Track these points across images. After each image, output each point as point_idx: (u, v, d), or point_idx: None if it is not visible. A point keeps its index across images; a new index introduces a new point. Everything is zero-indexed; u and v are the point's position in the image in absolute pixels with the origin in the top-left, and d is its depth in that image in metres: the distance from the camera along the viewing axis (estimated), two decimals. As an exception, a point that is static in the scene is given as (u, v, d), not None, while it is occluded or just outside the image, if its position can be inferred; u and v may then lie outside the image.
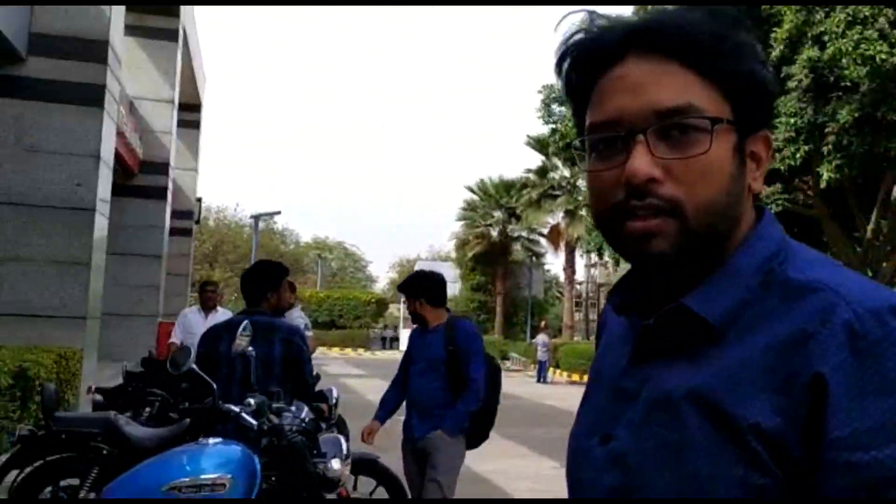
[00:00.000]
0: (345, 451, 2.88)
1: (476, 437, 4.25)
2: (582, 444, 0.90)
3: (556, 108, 19.36)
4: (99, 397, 6.48)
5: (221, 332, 3.63)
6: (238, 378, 3.23)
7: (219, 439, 2.67)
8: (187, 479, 2.42)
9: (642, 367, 0.85)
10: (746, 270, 0.82)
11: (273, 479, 2.69)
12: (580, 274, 45.35)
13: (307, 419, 2.99)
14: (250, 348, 2.94)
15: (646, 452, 0.79)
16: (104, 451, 4.19)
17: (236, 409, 2.85)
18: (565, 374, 25.04)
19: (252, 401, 2.84)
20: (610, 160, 0.82)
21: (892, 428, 0.68)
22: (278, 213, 39.73)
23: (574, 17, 0.87)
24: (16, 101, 8.35)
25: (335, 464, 2.79)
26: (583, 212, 27.82)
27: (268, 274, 3.93)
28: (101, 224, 8.93)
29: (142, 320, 14.77)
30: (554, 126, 19.43)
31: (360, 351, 37.21)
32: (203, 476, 2.44)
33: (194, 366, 2.94)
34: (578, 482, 0.89)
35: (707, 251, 0.82)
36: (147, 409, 6.07)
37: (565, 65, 0.88)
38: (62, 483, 4.27)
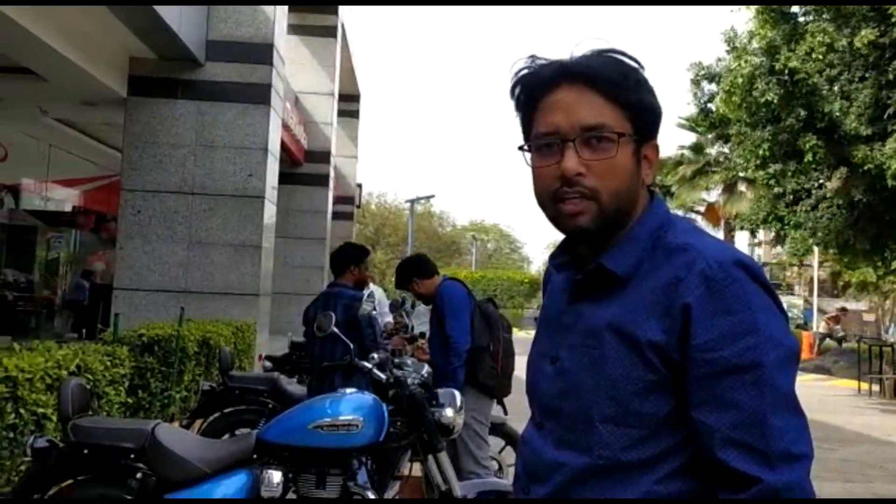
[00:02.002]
0: (458, 403, 3.30)
1: (491, 387, 4.28)
2: (537, 365, 1.28)
3: (705, 85, 18.74)
4: (268, 364, 7.33)
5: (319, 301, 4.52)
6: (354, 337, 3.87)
7: (354, 389, 3.18)
8: (328, 419, 2.94)
9: (576, 308, 1.22)
10: (642, 237, 1.19)
11: (398, 423, 3.16)
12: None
13: (426, 374, 3.47)
14: (374, 312, 3.46)
15: (581, 365, 1.17)
16: (270, 405, 4.89)
17: (369, 364, 3.37)
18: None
19: (376, 356, 3.36)
20: (549, 159, 1.18)
21: (730, 336, 1.06)
22: (432, 196, 40.91)
23: (520, 62, 1.24)
24: (196, 102, 9.39)
25: (449, 412, 3.23)
26: (742, 188, 26.66)
27: (350, 253, 4.68)
28: (270, 210, 9.86)
29: (308, 298, 15.96)
30: (705, 104, 18.83)
31: (515, 330, 37.66)
32: (341, 417, 2.94)
33: (335, 329, 3.49)
34: (534, 391, 1.27)
35: (615, 225, 1.19)
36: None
37: (517, 91, 1.23)
38: (237, 431, 5.02)
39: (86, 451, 2.88)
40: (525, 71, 1.21)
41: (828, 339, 24.49)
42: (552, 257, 1.32)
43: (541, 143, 1.19)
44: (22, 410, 4.05)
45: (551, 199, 1.18)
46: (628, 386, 1.10)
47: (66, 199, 16.94)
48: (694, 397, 1.08)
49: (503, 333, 4.34)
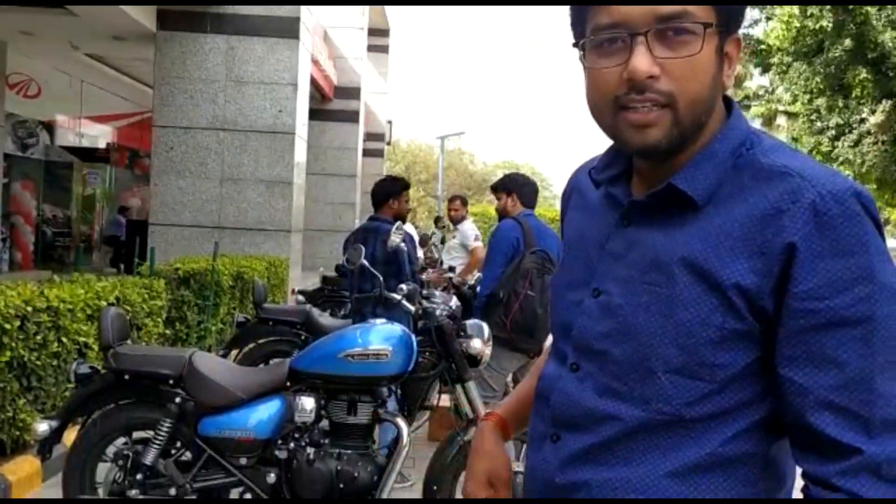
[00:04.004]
0: (486, 334, 3.35)
1: (503, 339, 3.96)
2: (570, 295, 1.08)
3: (749, 10, 18.11)
4: (301, 297, 7.46)
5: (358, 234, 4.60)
6: (393, 271, 3.90)
7: (384, 320, 3.24)
8: (358, 349, 3.00)
9: (628, 233, 1.02)
10: (722, 155, 0.98)
11: (427, 353, 3.23)
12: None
13: (454, 306, 3.53)
14: (402, 244, 3.49)
15: (639, 304, 0.97)
16: (303, 337, 5.00)
17: (398, 296, 3.42)
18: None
19: (405, 287, 3.41)
20: (612, 58, 0.95)
21: (840, 282, 0.88)
22: (462, 133, 40.58)
23: None
24: (225, 36, 9.35)
25: (476, 343, 3.27)
26: (780, 121, 26.01)
27: (389, 186, 4.71)
28: (300, 147, 9.89)
29: (340, 235, 16.14)
30: (746, 31, 18.24)
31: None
32: (370, 347, 3.01)
33: (365, 262, 3.55)
34: (568, 327, 1.06)
35: (690, 138, 0.97)
36: (342, 309, 6.94)
37: None
38: (271, 362, 5.16)
39: (126, 378, 2.96)
40: None
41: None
42: (592, 169, 1.11)
43: (602, 37, 0.96)
44: (64, 339, 4.22)
45: (612, 108, 0.96)
46: (703, 333, 0.92)
47: (99, 135, 17.12)
48: (786, 352, 0.90)
49: (527, 291, 3.96)
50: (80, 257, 15.34)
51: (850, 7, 14.06)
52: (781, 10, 15.87)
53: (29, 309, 3.91)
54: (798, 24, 14.86)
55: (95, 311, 4.48)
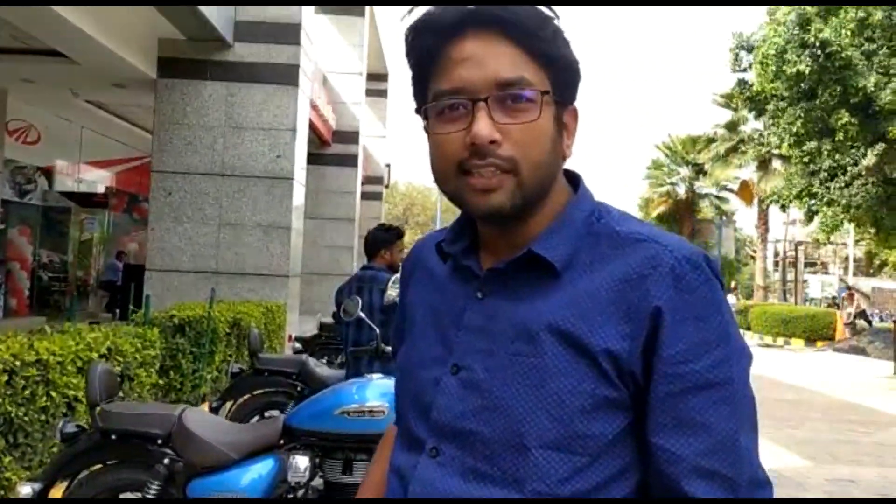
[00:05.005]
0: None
1: None
2: (424, 374, 1.01)
3: (744, 55, 18.34)
4: (298, 345, 7.37)
5: (352, 284, 4.42)
6: (389, 322, 3.80)
7: (380, 375, 3.16)
8: (355, 405, 2.92)
9: (487, 305, 0.98)
10: (577, 224, 0.98)
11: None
12: (777, 231, 42.73)
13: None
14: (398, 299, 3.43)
15: (506, 377, 0.93)
16: (299, 388, 4.90)
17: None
18: (756, 336, 24.04)
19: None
20: (454, 124, 0.94)
21: (702, 345, 0.90)
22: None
23: (415, 9, 1.00)
24: (225, 83, 9.40)
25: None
26: (776, 164, 26.21)
27: (382, 235, 4.57)
28: (299, 191, 9.87)
29: (338, 278, 16.08)
30: (742, 75, 18.46)
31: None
32: (367, 403, 2.93)
33: (362, 314, 3.48)
34: (425, 409, 0.99)
35: (534, 204, 0.97)
36: (340, 357, 6.84)
37: (410, 40, 0.99)
38: (266, 414, 5.05)
39: (114, 437, 2.88)
40: (422, 17, 0.98)
41: (861, 320, 24.07)
42: (442, 242, 1.07)
43: (444, 103, 0.96)
44: (53, 393, 4.11)
45: (456, 173, 0.95)
46: (576, 402, 0.90)
47: (98, 180, 17.17)
48: (657, 418, 0.90)
49: None
50: (75, 303, 15.26)
51: (829, 52, 14.22)
52: (756, 51, 16.14)
53: (17, 363, 3.81)
54: (773, 68, 15.05)
55: (86, 363, 4.38)
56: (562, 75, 0.98)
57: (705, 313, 0.91)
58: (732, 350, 0.92)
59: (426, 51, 0.97)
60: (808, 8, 14.81)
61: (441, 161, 0.97)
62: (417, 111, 1.00)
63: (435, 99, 0.97)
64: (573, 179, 1.05)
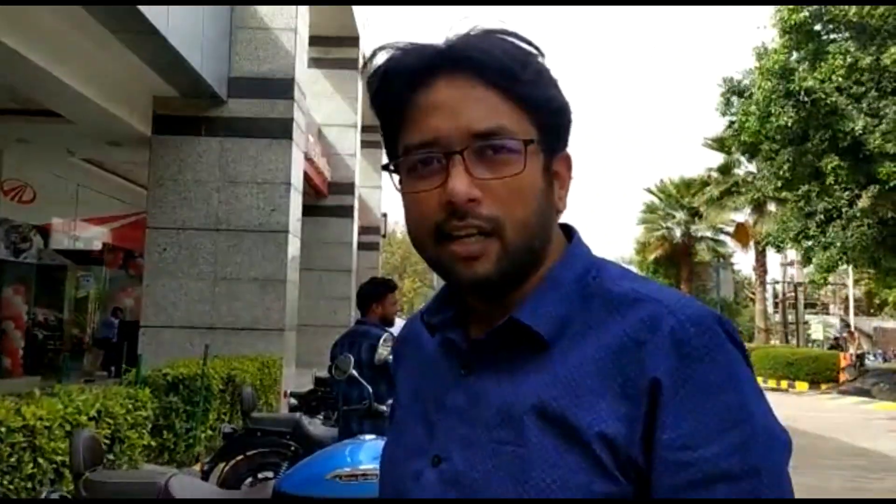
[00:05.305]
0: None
1: None
2: (407, 467, 0.89)
3: (735, 100, 18.55)
4: (294, 401, 7.25)
5: (345, 340, 4.33)
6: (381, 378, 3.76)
7: (374, 436, 3.07)
8: (347, 469, 2.83)
9: (471, 383, 0.86)
10: (567, 284, 0.85)
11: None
12: (775, 273, 42.72)
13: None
14: (391, 357, 3.35)
15: (488, 470, 0.80)
16: (293, 448, 4.79)
17: (388, 410, 3.26)
18: (760, 379, 23.82)
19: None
20: (427, 181, 0.83)
21: (713, 427, 0.74)
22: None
23: (380, 52, 0.88)
24: (219, 138, 9.45)
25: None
26: (772, 207, 26.31)
27: (372, 290, 4.51)
28: (294, 244, 9.85)
29: (336, 330, 15.95)
30: (732, 119, 18.63)
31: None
32: (360, 466, 2.84)
33: (354, 372, 3.41)
34: None
35: (524, 269, 0.85)
36: (336, 413, 6.73)
37: (375, 89, 0.88)
38: (259, 475, 4.92)
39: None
40: (386, 62, 0.87)
41: (866, 360, 23.90)
42: (425, 312, 0.95)
43: (415, 158, 0.84)
44: (40, 460, 4.01)
45: (434, 238, 0.83)
46: (566, 499, 0.76)
47: (94, 237, 17.15)
48: None
49: None
50: (69, 361, 15.11)
51: (814, 101, 14.43)
52: (738, 112, 16.45)
53: (3, 430, 3.72)
54: (755, 124, 15.32)
55: (75, 426, 4.28)
56: (549, 119, 0.86)
57: (716, 386, 0.75)
58: (756, 433, 0.75)
59: (393, 100, 0.86)
60: (793, 57, 15.07)
61: (416, 225, 0.85)
62: (385, 167, 0.89)
63: (405, 153, 0.85)
64: (569, 234, 0.93)
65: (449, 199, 0.80)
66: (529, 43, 0.86)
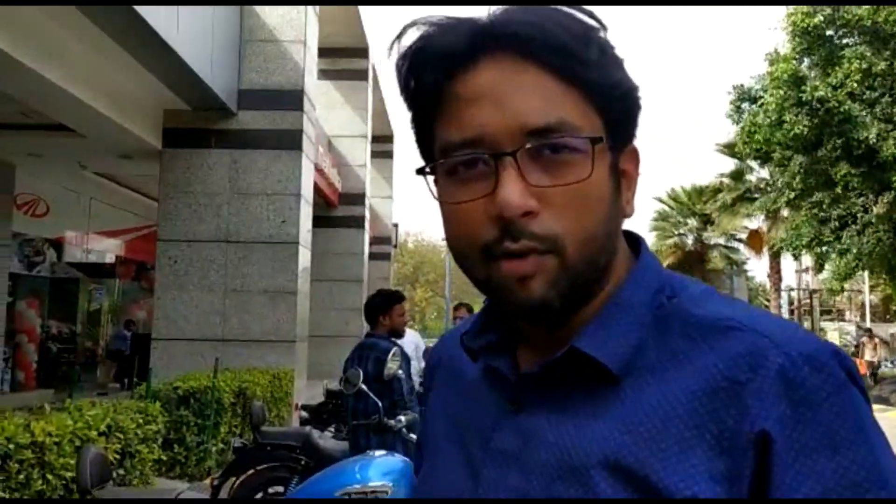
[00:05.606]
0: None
1: None
2: None
3: (745, 106, 18.44)
4: (305, 414, 7.21)
5: (355, 353, 4.30)
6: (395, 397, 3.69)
7: (384, 452, 3.03)
8: (357, 486, 2.79)
9: (521, 422, 0.72)
10: (639, 306, 0.71)
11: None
12: (790, 279, 42.41)
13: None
14: (400, 371, 3.32)
15: None
16: (303, 462, 4.75)
17: (396, 425, 3.23)
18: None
19: (403, 418, 3.21)
20: (471, 187, 0.68)
21: (842, 491, 0.60)
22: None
23: (411, 28, 0.72)
24: (229, 150, 9.47)
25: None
26: (785, 213, 26.13)
27: (379, 302, 4.48)
28: (304, 256, 9.84)
29: (348, 341, 15.92)
30: (742, 125, 18.54)
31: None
32: (370, 483, 2.80)
33: (363, 386, 3.37)
34: None
35: (588, 288, 0.71)
36: (346, 427, 6.70)
37: (404, 73, 0.72)
38: (270, 490, 4.89)
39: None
40: (417, 41, 0.71)
41: (882, 367, 23.62)
42: (465, 335, 0.80)
43: (455, 160, 0.69)
44: (49, 476, 3.99)
45: (482, 256, 0.68)
46: None
47: (107, 250, 17.23)
48: None
49: None
50: (80, 374, 15.17)
51: (827, 109, 14.35)
52: (744, 121, 16.42)
53: (11, 446, 3.70)
54: (766, 135, 15.29)
55: (85, 441, 4.26)
56: (617, 108, 0.70)
57: (841, 439, 0.61)
58: (891, 494, 0.61)
59: (426, 88, 0.71)
60: (804, 64, 15.00)
61: (460, 243, 0.70)
62: (420, 171, 0.73)
63: (444, 154, 0.70)
64: (634, 242, 0.77)
65: (499, 212, 0.66)
66: (591, 14, 0.70)
